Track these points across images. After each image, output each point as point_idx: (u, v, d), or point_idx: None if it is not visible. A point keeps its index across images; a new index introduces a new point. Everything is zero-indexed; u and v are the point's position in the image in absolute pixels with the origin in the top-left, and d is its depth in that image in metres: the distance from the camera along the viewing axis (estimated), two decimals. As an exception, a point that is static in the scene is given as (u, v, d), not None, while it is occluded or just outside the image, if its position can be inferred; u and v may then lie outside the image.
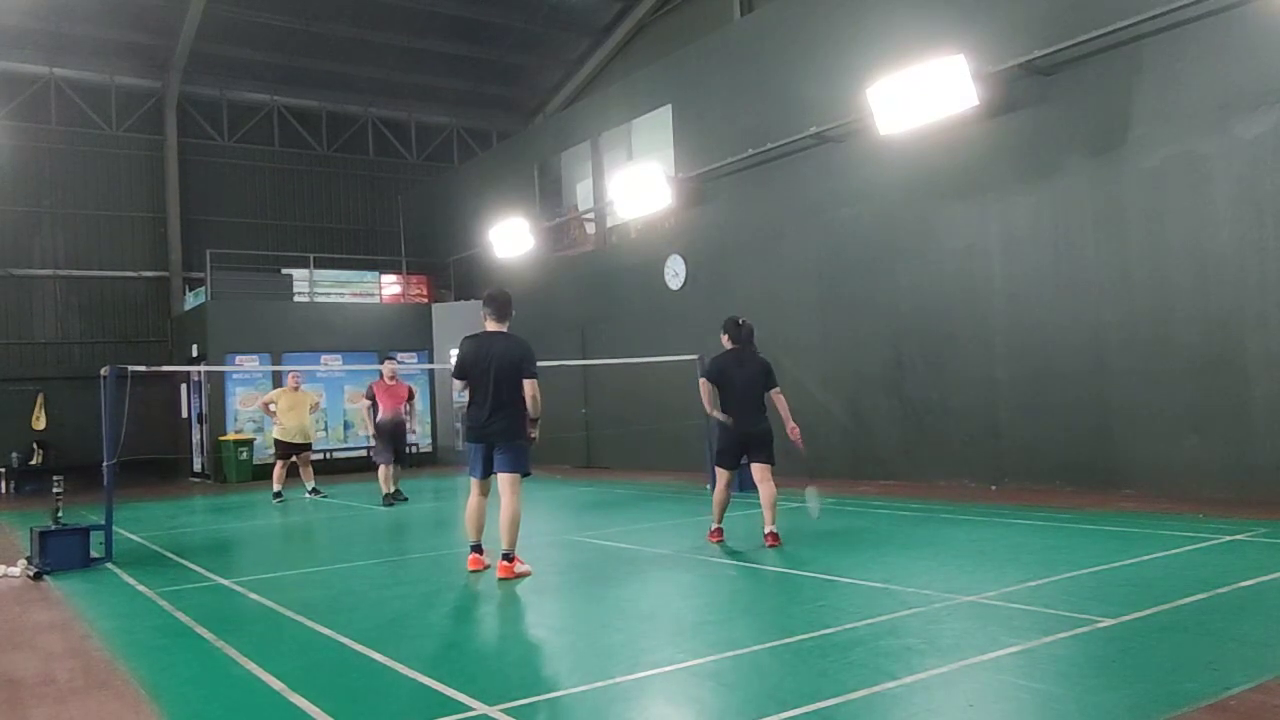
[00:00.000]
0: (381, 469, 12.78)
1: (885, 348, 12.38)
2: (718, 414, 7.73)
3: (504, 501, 6.72)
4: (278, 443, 13.82)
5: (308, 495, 13.69)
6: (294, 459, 13.76)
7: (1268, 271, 8.81)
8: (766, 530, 7.58)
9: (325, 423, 19.23)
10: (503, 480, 6.75)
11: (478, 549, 7.03)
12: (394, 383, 13.14)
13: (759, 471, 7.73)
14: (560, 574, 7.00)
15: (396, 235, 23.71)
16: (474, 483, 6.93)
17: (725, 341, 7.93)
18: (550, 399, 7.04)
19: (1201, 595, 5.23)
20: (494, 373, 6.70)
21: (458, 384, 6.84)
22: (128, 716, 4.11)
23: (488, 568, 6.97)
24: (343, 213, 24.65)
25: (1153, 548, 6.69)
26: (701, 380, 7.91)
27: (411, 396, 13.33)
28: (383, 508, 12.27)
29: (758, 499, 7.72)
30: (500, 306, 6.96)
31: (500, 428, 6.73)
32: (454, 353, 7.15)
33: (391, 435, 12.83)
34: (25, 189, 20.94)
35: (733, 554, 7.46)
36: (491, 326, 6.94)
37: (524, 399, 6.78)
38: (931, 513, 9.17)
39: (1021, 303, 10.85)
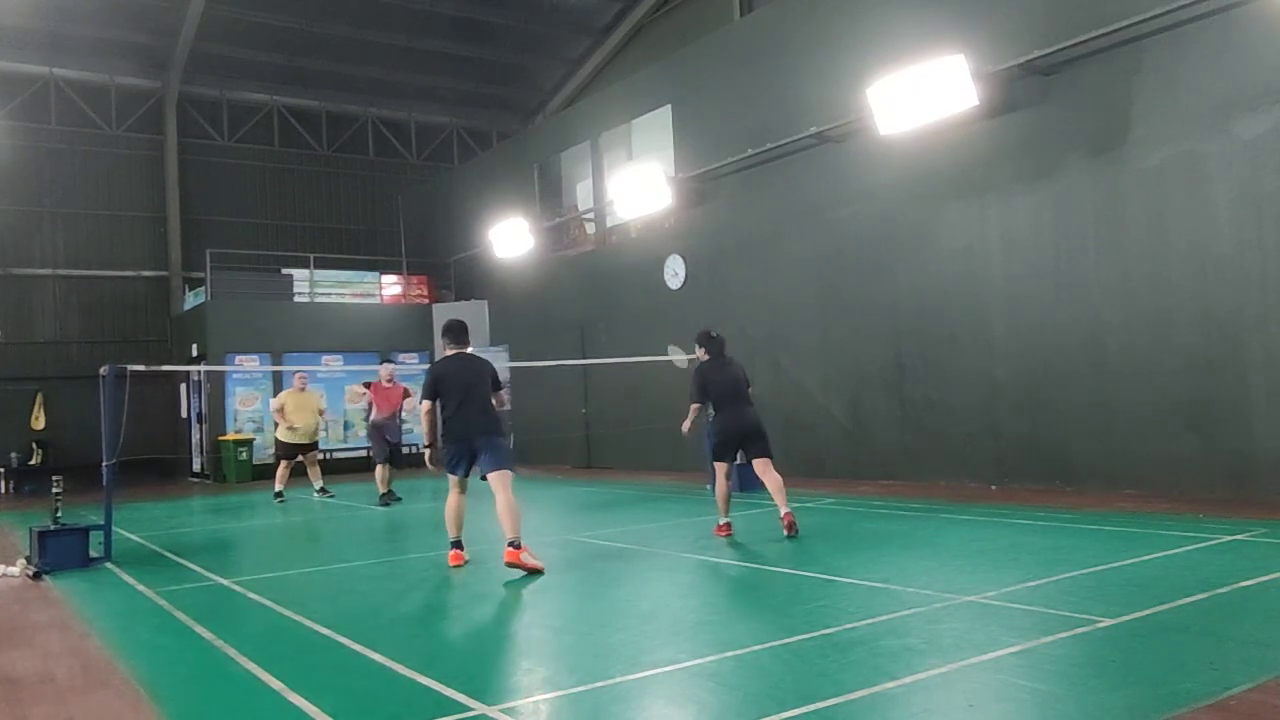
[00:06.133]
0: (378, 469, 12.83)
1: (885, 348, 12.38)
2: (687, 424, 8.45)
3: (499, 498, 6.95)
4: (281, 443, 13.75)
5: (316, 495, 13.65)
6: (300, 459, 13.74)
7: (1268, 271, 8.81)
8: (783, 513, 7.85)
9: (325, 423, 19.21)
10: (494, 479, 7.03)
11: (458, 545, 7.35)
12: (391, 385, 13.27)
13: (760, 465, 8.10)
14: (560, 574, 6.99)
15: (396, 235, 23.70)
16: (453, 481, 7.27)
17: (701, 354, 8.53)
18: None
19: (1201, 595, 5.23)
20: (467, 386, 7.18)
21: (425, 404, 7.26)
22: (127, 715, 4.11)
23: (468, 562, 7.28)
24: (343, 213, 24.63)
25: (1153, 548, 6.69)
26: (695, 407, 8.38)
27: (407, 395, 13.49)
28: (380, 507, 12.29)
29: (756, 498, 7.82)
30: (459, 335, 7.47)
31: (479, 425, 7.12)
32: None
33: (388, 435, 12.97)
34: (25, 189, 20.92)
35: (733, 553, 7.46)
36: (453, 350, 7.41)
37: (493, 404, 7.32)
38: (931, 513, 9.17)
39: (1021, 303, 10.85)
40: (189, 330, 20.67)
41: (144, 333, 21.87)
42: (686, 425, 8.47)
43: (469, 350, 7.52)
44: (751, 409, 8.26)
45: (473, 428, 7.08)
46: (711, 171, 14.90)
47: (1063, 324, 10.41)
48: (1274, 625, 4.76)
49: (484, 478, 7.09)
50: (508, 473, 7.05)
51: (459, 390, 7.11)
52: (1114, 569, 6.07)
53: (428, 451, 7.39)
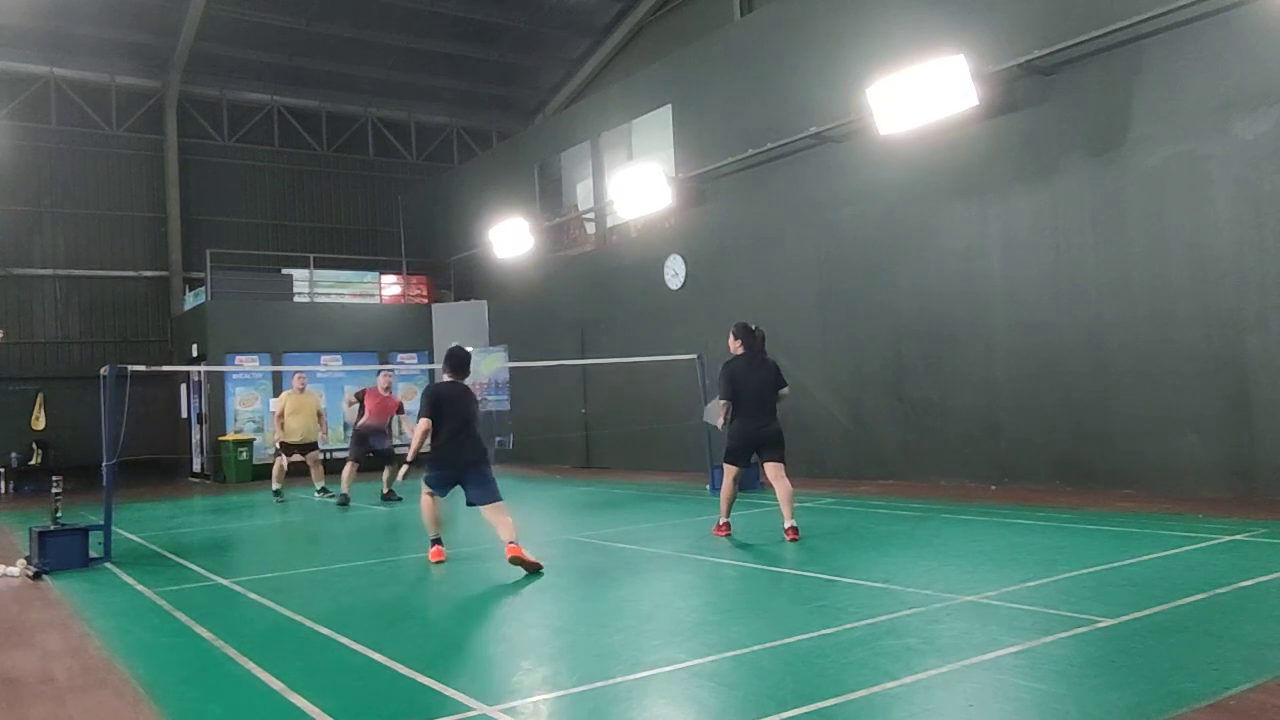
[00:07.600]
0: (347, 467, 12.87)
1: (885, 348, 12.38)
2: (720, 421, 8.16)
3: (498, 526, 7.14)
4: (282, 444, 13.76)
5: (317, 496, 13.59)
6: (302, 459, 13.74)
7: (1268, 272, 8.81)
8: (786, 525, 7.77)
9: (325, 424, 19.22)
10: (487, 511, 7.23)
11: (438, 541, 7.61)
12: (387, 394, 13.29)
13: (772, 470, 7.96)
14: (560, 574, 6.99)
15: (396, 235, 23.70)
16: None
17: (736, 346, 8.16)
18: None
19: (1201, 595, 5.23)
20: (465, 419, 7.49)
21: (423, 422, 7.43)
22: (126, 715, 4.11)
23: (446, 559, 7.55)
24: (343, 213, 24.64)
25: (1153, 548, 6.69)
26: (722, 403, 8.11)
27: (400, 410, 13.64)
28: (381, 507, 12.30)
29: (756, 498, 7.80)
30: (459, 368, 7.71)
31: (470, 458, 7.39)
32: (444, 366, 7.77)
33: (370, 440, 13.03)
34: (25, 189, 20.91)
35: (733, 553, 7.46)
36: (451, 378, 7.66)
37: (480, 435, 7.67)
38: (931, 513, 9.17)
39: (1021, 303, 10.85)
40: (189, 330, 20.66)
41: (144, 333, 21.88)
42: (720, 423, 8.23)
43: (465, 382, 7.75)
44: (774, 421, 7.99)
45: (464, 460, 7.37)
46: (711, 171, 14.90)
47: (1063, 324, 10.41)
48: (1274, 625, 4.76)
49: (471, 504, 7.32)
50: (500, 504, 7.24)
51: (456, 418, 7.38)
52: (1114, 569, 6.07)
53: (404, 468, 7.78)
